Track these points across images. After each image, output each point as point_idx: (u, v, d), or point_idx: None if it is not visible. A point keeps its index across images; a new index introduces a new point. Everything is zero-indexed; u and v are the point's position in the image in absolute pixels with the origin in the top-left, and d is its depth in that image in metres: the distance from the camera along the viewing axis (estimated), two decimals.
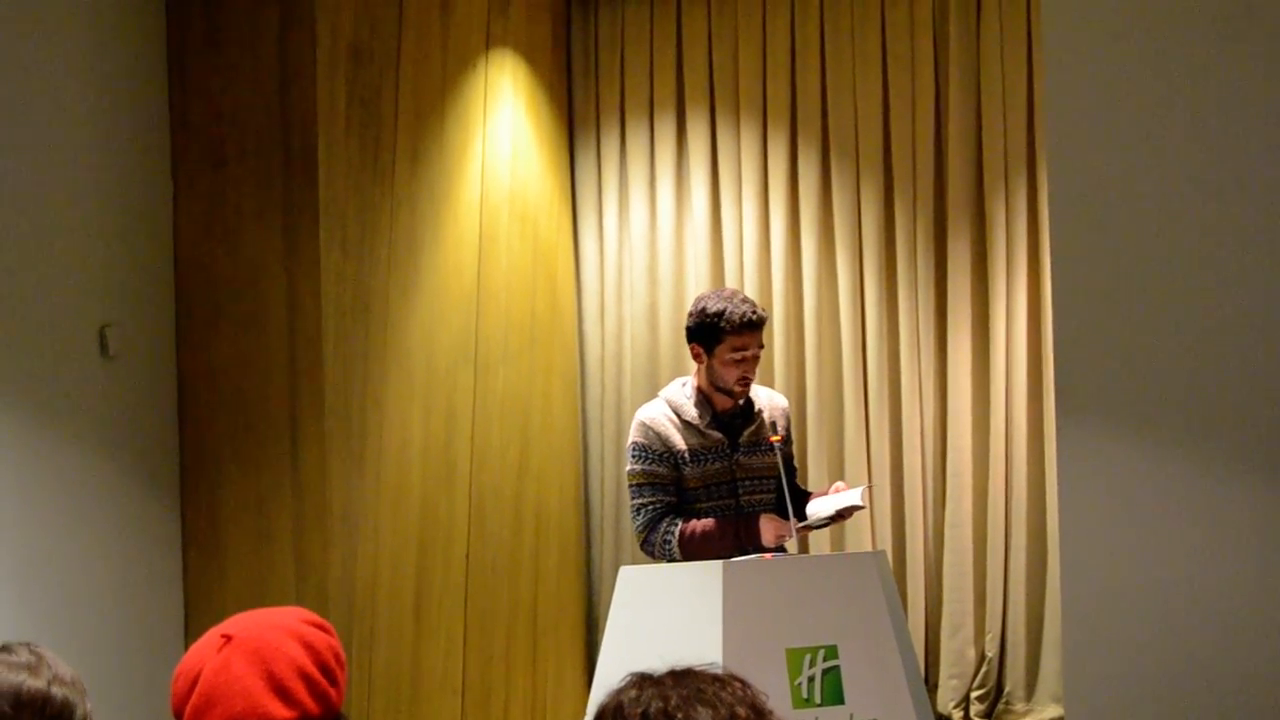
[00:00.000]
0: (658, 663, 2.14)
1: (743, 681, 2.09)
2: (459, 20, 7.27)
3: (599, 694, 5.11)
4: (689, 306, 5.63)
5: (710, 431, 5.38)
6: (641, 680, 2.10)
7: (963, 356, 7.68)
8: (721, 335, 5.30)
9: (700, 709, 2.04)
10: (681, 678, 2.09)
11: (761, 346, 5.39)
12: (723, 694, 2.06)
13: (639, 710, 2.05)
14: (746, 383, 5.38)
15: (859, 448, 7.76)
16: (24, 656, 2.40)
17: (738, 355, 5.31)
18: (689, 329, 5.39)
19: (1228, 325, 5.33)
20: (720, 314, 5.30)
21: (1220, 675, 5.33)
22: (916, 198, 7.76)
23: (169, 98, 6.58)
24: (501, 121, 7.53)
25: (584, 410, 8.11)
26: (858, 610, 5.04)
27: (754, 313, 5.32)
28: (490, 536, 7.34)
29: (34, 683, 2.37)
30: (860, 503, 5.29)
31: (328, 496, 6.43)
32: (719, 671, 2.10)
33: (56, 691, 2.38)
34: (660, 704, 2.05)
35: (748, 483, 5.41)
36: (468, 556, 7.19)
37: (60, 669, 2.41)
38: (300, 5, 6.45)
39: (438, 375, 7.06)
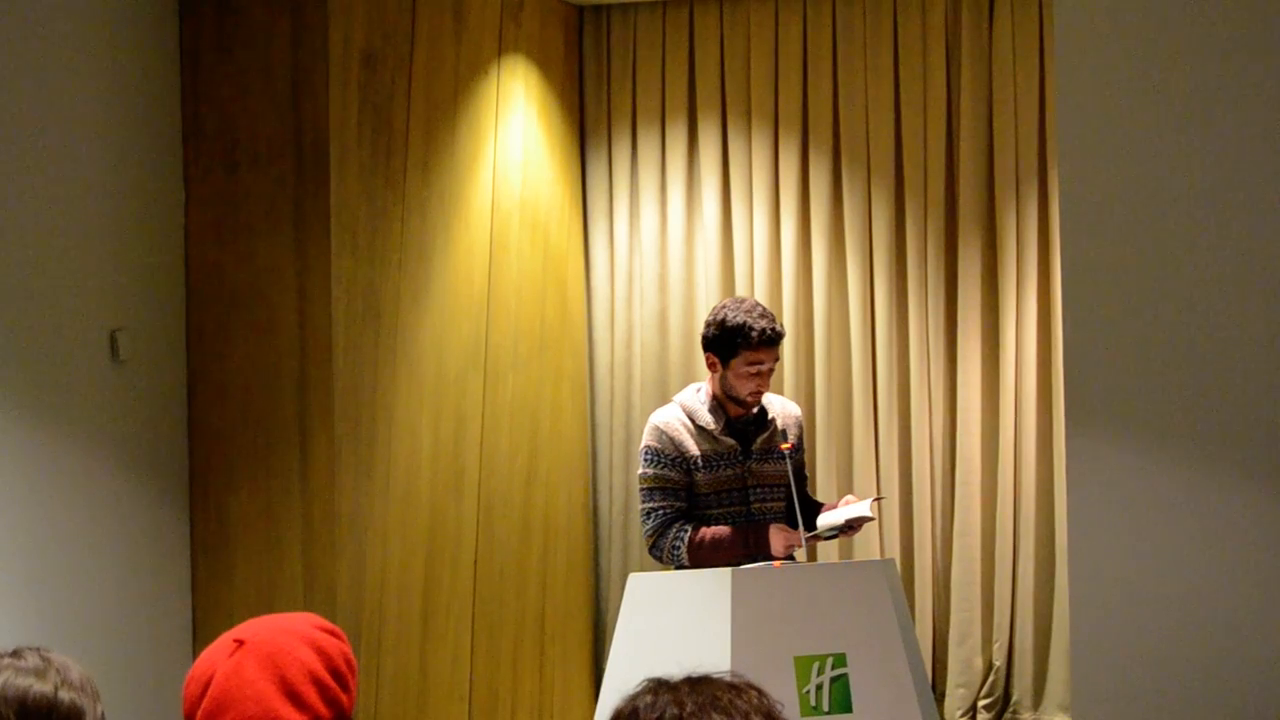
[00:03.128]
0: (673, 668, 2.14)
1: (759, 690, 2.09)
2: (471, 27, 7.27)
3: (607, 701, 5.12)
4: (700, 313, 5.63)
5: (724, 438, 5.37)
6: (657, 686, 2.09)
7: (972, 365, 7.69)
8: (738, 349, 5.29)
9: (715, 716, 2.04)
10: (697, 684, 2.08)
11: (777, 360, 5.39)
12: (738, 702, 2.06)
13: (654, 715, 2.05)
14: (758, 395, 5.38)
15: (868, 456, 7.76)
16: (32, 661, 2.40)
17: (753, 369, 5.31)
18: (706, 338, 5.38)
19: (1238, 335, 5.33)
20: (739, 328, 5.29)
21: (1229, 685, 5.33)
22: (927, 207, 7.77)
23: (181, 103, 6.58)
24: (513, 128, 7.54)
25: (593, 417, 8.12)
26: (866, 618, 5.04)
27: (773, 329, 5.31)
28: (498, 543, 7.34)
29: (41, 687, 2.36)
30: (869, 514, 5.29)
31: (337, 502, 6.44)
32: (735, 679, 2.10)
33: (64, 696, 2.37)
34: (675, 710, 2.05)
35: (759, 490, 5.40)
36: (476, 563, 7.20)
37: (70, 673, 2.41)
38: (313, 11, 6.46)
39: (447, 381, 7.07)
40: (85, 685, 2.40)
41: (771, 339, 5.30)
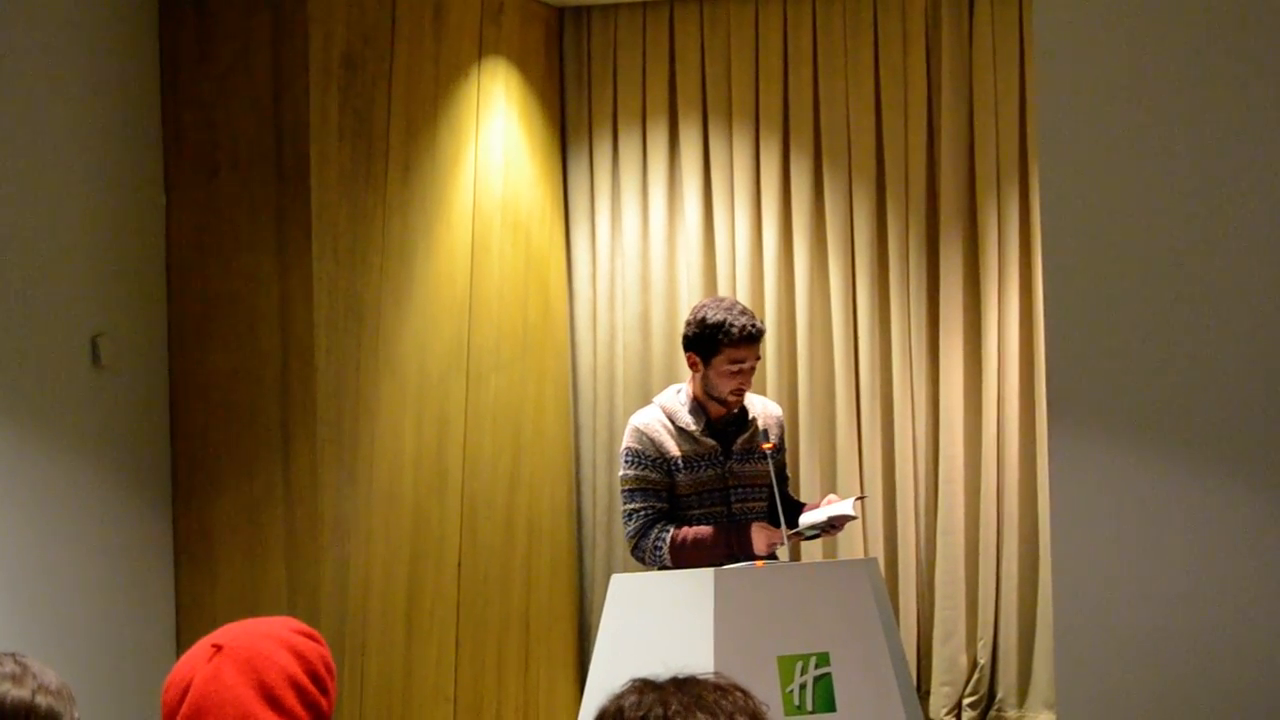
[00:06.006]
0: (657, 669, 2.15)
1: (744, 691, 2.10)
2: (451, 29, 7.27)
3: (591, 701, 5.11)
4: (682, 314, 5.64)
5: (704, 439, 5.37)
6: (643, 686, 2.10)
7: (955, 365, 7.70)
8: (720, 347, 5.29)
9: (701, 716, 2.04)
10: (683, 685, 2.09)
11: (758, 358, 5.39)
12: (723, 702, 2.07)
13: (639, 714, 2.06)
14: (741, 393, 5.38)
15: (851, 455, 7.77)
16: (8, 667, 2.39)
17: (734, 367, 5.31)
18: (686, 337, 5.38)
19: (1219, 333, 5.34)
20: (720, 325, 5.29)
21: (1213, 681, 5.33)
22: (909, 207, 7.78)
23: (161, 107, 6.57)
24: (494, 130, 7.53)
25: (576, 418, 8.12)
26: (850, 617, 5.05)
27: (753, 325, 5.31)
28: (482, 545, 7.34)
29: (18, 692, 2.36)
30: (852, 513, 5.29)
31: (320, 505, 6.43)
32: (721, 679, 2.10)
33: (41, 701, 2.37)
34: (660, 710, 2.05)
35: (740, 490, 5.41)
36: (460, 565, 7.19)
37: (46, 678, 2.41)
38: (292, 14, 6.45)
39: (430, 384, 7.06)
40: (62, 690, 2.40)
41: (752, 335, 5.30)
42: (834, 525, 5.33)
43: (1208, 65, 5.35)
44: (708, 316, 5.33)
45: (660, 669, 2.15)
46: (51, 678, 2.40)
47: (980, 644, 7.65)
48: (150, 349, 6.50)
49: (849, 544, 7.62)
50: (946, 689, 7.66)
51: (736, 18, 7.94)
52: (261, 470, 6.47)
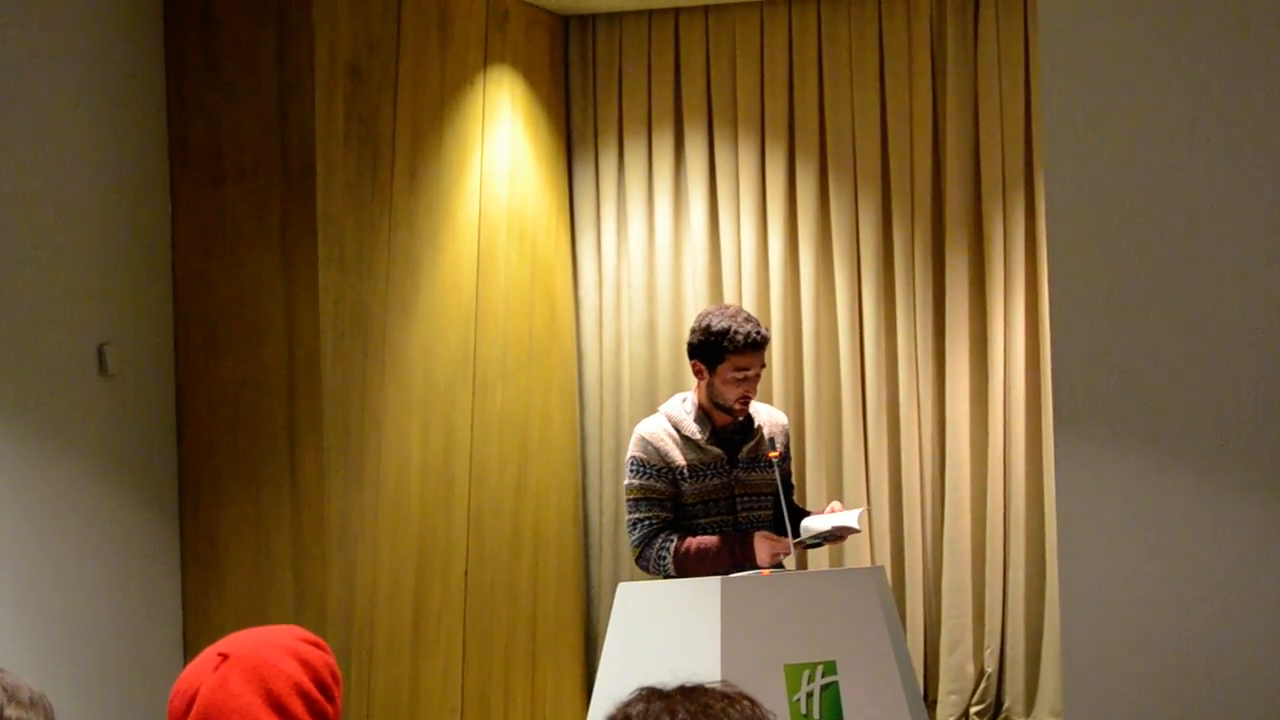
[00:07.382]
0: (664, 678, 2.14)
1: (752, 700, 2.09)
2: (457, 37, 7.28)
3: (598, 710, 5.11)
4: (688, 323, 5.63)
5: (710, 447, 5.36)
6: (649, 694, 2.09)
7: (961, 372, 7.70)
8: (724, 354, 5.28)
9: None
10: (690, 693, 2.08)
11: (763, 365, 5.38)
12: (730, 710, 2.06)
13: None
14: (747, 401, 5.37)
15: (857, 463, 7.77)
16: None
17: (740, 374, 5.30)
18: (691, 346, 5.37)
19: (1225, 339, 5.34)
20: (724, 333, 5.28)
21: (1221, 686, 5.33)
22: (914, 214, 7.78)
23: (167, 116, 6.58)
24: (499, 138, 7.54)
25: (582, 427, 8.12)
26: (857, 626, 5.04)
27: (758, 332, 5.30)
28: (489, 553, 7.34)
29: None
30: (856, 527, 5.26)
31: (326, 514, 6.43)
32: (728, 688, 2.10)
33: (11, 714, 2.34)
34: (668, 718, 2.05)
35: (746, 499, 5.40)
36: (466, 573, 7.19)
37: (20, 692, 2.36)
38: (298, 23, 6.46)
39: (436, 392, 7.07)
40: (36, 703, 2.36)
41: (757, 342, 5.29)
42: (838, 536, 5.32)
43: (1213, 73, 5.35)
44: (712, 324, 5.32)
45: (667, 677, 2.14)
46: (25, 691, 2.36)
47: (987, 652, 7.64)
48: (156, 357, 6.50)
49: (855, 552, 7.62)
50: (954, 697, 7.65)
51: (742, 25, 7.94)
52: (268, 479, 6.47)
